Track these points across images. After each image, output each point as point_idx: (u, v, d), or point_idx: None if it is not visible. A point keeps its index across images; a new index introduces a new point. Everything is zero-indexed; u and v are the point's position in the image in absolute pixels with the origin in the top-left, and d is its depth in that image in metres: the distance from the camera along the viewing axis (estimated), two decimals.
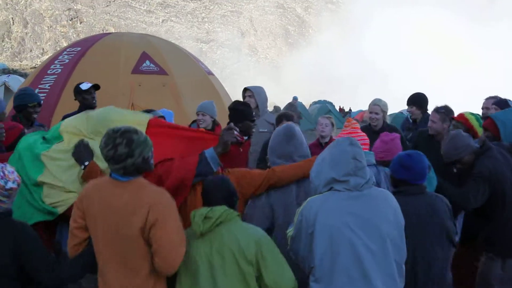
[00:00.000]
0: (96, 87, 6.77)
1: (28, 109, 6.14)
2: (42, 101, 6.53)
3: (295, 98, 23.84)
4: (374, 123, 6.75)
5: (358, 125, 5.14)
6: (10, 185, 3.34)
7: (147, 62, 10.24)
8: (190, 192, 4.06)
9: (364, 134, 4.61)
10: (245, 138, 5.37)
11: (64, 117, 6.34)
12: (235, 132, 4.22)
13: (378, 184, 4.24)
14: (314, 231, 3.36)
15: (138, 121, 4.11)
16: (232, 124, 4.60)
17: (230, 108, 5.58)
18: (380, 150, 4.93)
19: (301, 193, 4.11)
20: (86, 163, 3.98)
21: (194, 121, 6.94)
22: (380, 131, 6.30)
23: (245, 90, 6.98)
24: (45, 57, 13.78)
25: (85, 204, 3.35)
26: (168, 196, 3.37)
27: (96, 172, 3.96)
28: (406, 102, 7.42)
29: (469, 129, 5.26)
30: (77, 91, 6.73)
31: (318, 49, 57.22)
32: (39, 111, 6.38)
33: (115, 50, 10.48)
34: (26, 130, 5.36)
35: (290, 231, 3.57)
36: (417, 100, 7.30)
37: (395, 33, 58.28)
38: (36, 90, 9.53)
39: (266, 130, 6.77)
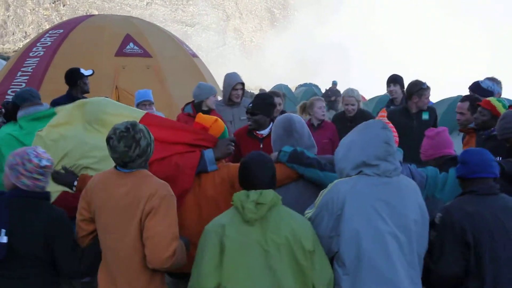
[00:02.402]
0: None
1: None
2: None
3: (334, 83, 23.79)
4: (351, 114, 6.99)
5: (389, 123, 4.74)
6: (44, 162, 3.40)
7: (131, 44, 10.17)
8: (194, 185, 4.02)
9: (395, 130, 4.26)
10: (264, 133, 5.29)
11: (52, 103, 6.34)
12: (232, 146, 4.18)
13: None
14: (342, 215, 3.22)
15: (133, 118, 4.09)
16: (233, 137, 4.53)
17: (261, 99, 5.43)
18: (427, 147, 4.63)
19: (305, 190, 3.96)
20: (75, 183, 3.96)
21: (188, 104, 6.90)
22: (354, 117, 6.83)
23: (237, 83, 6.86)
24: (28, 41, 13.63)
25: (90, 196, 3.39)
26: (168, 189, 3.34)
27: (87, 177, 3.94)
28: (386, 82, 7.57)
29: (496, 116, 5.17)
30: (79, 76, 6.74)
31: (302, 31, 57.06)
32: None
33: (98, 32, 10.38)
34: None
35: (309, 213, 3.42)
36: (399, 79, 7.47)
37: (372, 13, 58.40)
38: (19, 73, 9.49)
39: (246, 117, 6.74)
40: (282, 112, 7.14)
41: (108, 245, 3.33)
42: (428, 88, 6.62)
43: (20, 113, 4.54)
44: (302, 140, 4.14)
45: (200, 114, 4.43)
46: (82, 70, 6.81)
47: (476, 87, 6.42)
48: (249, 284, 3.07)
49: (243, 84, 6.92)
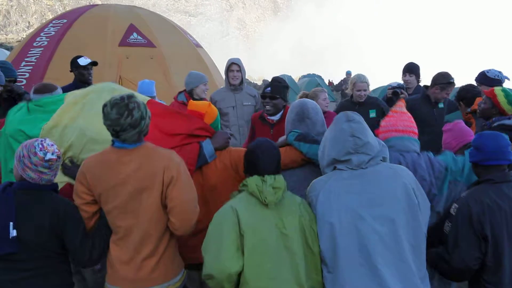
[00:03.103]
0: (93, 63, 6.77)
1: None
2: (17, 78, 6.46)
3: (348, 73, 23.68)
4: (362, 99, 6.94)
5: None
6: (49, 156, 3.38)
7: (135, 34, 10.17)
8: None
9: (412, 120, 4.04)
10: (275, 118, 5.26)
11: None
12: (228, 137, 4.17)
13: (415, 170, 3.70)
14: (317, 214, 3.20)
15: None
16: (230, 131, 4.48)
17: (279, 82, 5.39)
18: (449, 140, 4.47)
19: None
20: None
21: (181, 92, 6.92)
22: (363, 102, 6.89)
23: (232, 64, 6.92)
24: (31, 31, 13.64)
25: (90, 179, 3.37)
26: (177, 156, 3.45)
27: None
28: (402, 71, 7.53)
29: (496, 105, 5.04)
30: (75, 65, 6.71)
31: (305, 21, 56.94)
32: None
33: (102, 22, 10.38)
34: None
35: None
36: (416, 69, 7.46)
37: (375, 2, 58.25)
38: (22, 63, 9.50)
39: (249, 103, 6.83)
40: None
41: (127, 223, 3.37)
42: (453, 84, 6.51)
43: (33, 97, 4.54)
44: (315, 127, 4.08)
45: (192, 101, 4.42)
46: (81, 59, 6.73)
47: (482, 77, 6.35)
48: (270, 266, 3.11)
49: (239, 65, 6.92)
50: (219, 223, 3.21)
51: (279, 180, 3.28)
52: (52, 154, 3.40)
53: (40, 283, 3.32)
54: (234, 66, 6.87)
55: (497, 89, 5.17)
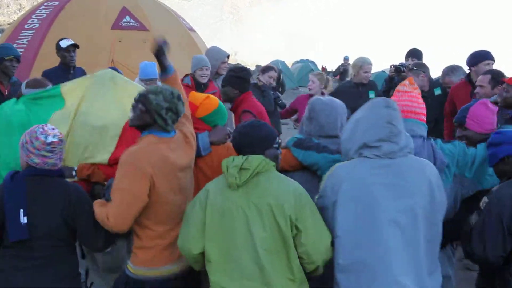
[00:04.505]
0: (75, 46, 6.72)
1: (5, 63, 6.09)
2: (20, 56, 6.43)
3: (346, 58, 23.61)
4: (366, 81, 7.28)
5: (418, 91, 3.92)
6: (50, 139, 3.34)
7: (127, 17, 10.12)
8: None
9: (419, 101, 3.72)
10: (228, 106, 5.26)
11: (44, 74, 6.31)
12: (227, 133, 4.10)
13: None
14: (337, 201, 3.05)
15: (131, 93, 4.03)
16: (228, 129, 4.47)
17: (232, 71, 5.57)
18: (491, 121, 4.07)
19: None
20: (74, 173, 3.98)
21: (186, 75, 6.89)
22: (365, 84, 7.27)
23: (226, 57, 7.16)
24: (23, 13, 13.56)
25: (153, 173, 3.26)
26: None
27: (84, 167, 4.00)
28: (405, 55, 7.74)
29: None
30: (57, 47, 6.73)
31: (298, 5, 56.78)
32: (17, 66, 6.30)
33: (95, 4, 10.34)
34: None
35: (317, 198, 3.24)
36: (419, 54, 7.62)
37: None
38: (14, 45, 9.41)
39: None
40: (277, 88, 7.35)
41: (173, 203, 3.39)
42: (412, 71, 6.65)
43: (24, 91, 4.46)
44: (323, 129, 3.91)
45: (193, 92, 4.34)
46: (62, 41, 6.70)
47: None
48: (229, 246, 3.09)
49: (229, 56, 7.28)
50: (191, 203, 3.27)
51: (251, 161, 3.13)
52: (53, 137, 3.36)
53: (48, 272, 3.29)
54: (227, 59, 7.14)
55: None
